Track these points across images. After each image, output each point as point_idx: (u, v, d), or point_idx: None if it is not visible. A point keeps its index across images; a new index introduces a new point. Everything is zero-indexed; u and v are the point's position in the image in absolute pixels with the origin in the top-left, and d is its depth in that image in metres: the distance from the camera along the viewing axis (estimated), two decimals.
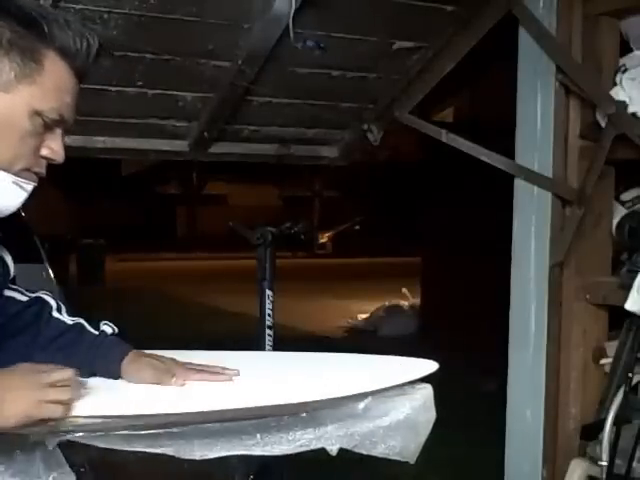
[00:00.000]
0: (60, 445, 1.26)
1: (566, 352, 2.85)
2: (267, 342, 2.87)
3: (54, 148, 1.29)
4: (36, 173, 1.29)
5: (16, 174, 1.25)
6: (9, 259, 1.45)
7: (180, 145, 3.22)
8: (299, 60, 2.86)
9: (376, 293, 11.00)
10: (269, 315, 2.87)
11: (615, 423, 2.64)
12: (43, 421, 1.19)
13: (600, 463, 2.66)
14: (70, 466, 1.31)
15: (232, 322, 9.02)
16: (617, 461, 2.63)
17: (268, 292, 2.87)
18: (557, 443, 2.86)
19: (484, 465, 3.61)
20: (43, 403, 1.19)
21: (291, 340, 2.66)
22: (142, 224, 26.24)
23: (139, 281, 15.06)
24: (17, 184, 1.26)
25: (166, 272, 17.50)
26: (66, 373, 1.23)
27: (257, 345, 2.87)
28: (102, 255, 15.41)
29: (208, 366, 1.50)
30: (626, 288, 2.54)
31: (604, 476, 2.65)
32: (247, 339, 2.74)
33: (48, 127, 1.26)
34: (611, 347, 2.80)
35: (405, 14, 2.79)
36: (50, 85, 1.24)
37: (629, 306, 2.52)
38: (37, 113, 1.23)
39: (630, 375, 2.65)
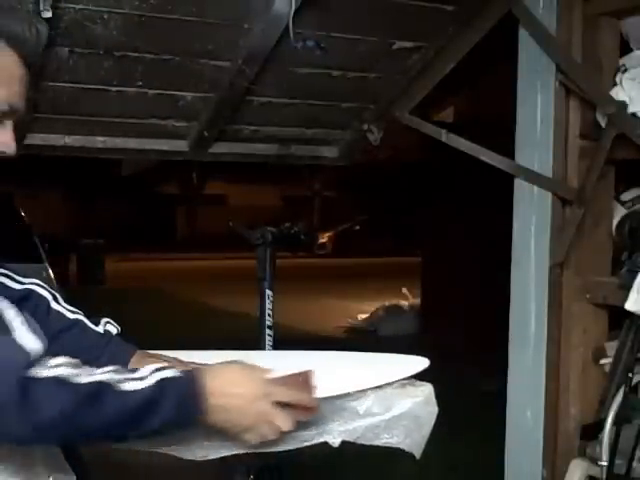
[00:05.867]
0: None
1: (566, 352, 2.84)
2: (267, 342, 2.87)
3: (4, 140, 1.21)
4: None
5: None
6: None
7: (180, 145, 3.22)
8: (299, 60, 2.85)
9: (376, 293, 11.01)
10: (269, 315, 2.87)
11: (615, 423, 2.64)
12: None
13: (600, 463, 2.66)
14: (70, 466, 1.31)
15: (232, 322, 9.02)
16: (617, 461, 2.63)
17: (268, 292, 2.87)
18: (557, 443, 2.86)
19: (484, 465, 3.61)
20: (266, 422, 1.15)
21: (291, 340, 2.66)
22: (142, 224, 26.23)
23: (139, 281, 15.05)
24: None
25: (166, 272, 17.50)
26: (306, 397, 1.17)
27: (257, 345, 2.87)
28: (102, 255, 15.41)
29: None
30: (626, 288, 2.54)
31: (604, 476, 2.65)
32: (247, 339, 2.74)
33: None
34: (611, 347, 2.80)
35: (405, 14, 2.79)
36: None
37: (629, 306, 2.52)
38: None
39: (630, 375, 2.65)
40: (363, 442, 1.38)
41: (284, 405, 1.16)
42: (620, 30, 2.78)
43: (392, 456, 1.49)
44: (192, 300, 11.94)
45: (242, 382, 1.15)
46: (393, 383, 1.43)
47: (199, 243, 23.70)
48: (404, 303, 9.59)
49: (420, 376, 1.49)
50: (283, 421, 1.16)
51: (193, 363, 1.48)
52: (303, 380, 1.19)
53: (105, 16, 2.47)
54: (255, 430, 1.16)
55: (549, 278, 2.83)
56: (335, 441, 1.35)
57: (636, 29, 2.75)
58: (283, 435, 1.18)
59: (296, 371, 1.21)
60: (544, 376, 2.85)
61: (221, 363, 1.19)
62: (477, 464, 4.12)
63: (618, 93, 2.65)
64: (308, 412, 1.20)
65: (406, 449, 1.40)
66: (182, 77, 2.84)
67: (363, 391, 1.38)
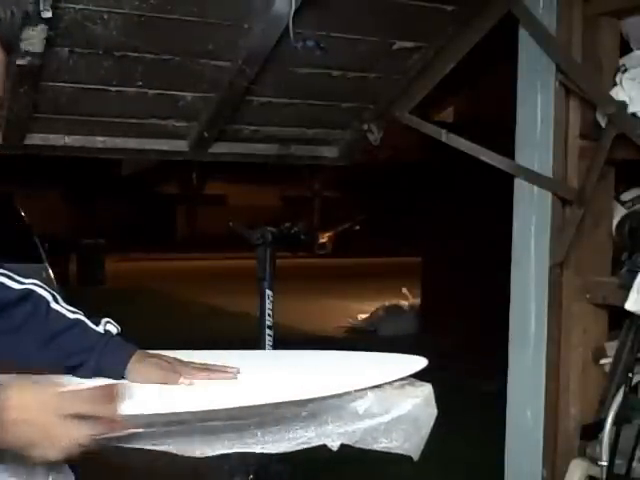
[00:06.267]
0: None
1: (566, 352, 2.85)
2: (267, 342, 2.87)
3: None
4: None
5: None
6: None
7: (180, 145, 3.22)
8: (299, 60, 2.86)
9: (376, 293, 11.00)
10: (269, 315, 2.87)
11: (615, 423, 2.64)
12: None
13: (600, 463, 2.66)
14: (69, 466, 1.31)
15: (232, 322, 9.02)
16: (617, 461, 2.63)
17: (268, 292, 2.87)
18: (557, 443, 2.86)
19: (484, 465, 3.61)
20: (56, 436, 1.10)
21: (291, 340, 2.66)
22: (142, 224, 26.22)
23: (139, 281, 15.05)
24: None
25: (166, 272, 17.49)
26: (104, 409, 1.12)
27: (257, 345, 2.87)
28: (102, 255, 15.40)
29: (210, 365, 1.49)
30: (626, 288, 2.54)
31: (604, 476, 2.65)
32: (247, 339, 2.74)
33: None
34: (611, 347, 2.80)
35: (405, 14, 2.79)
36: None
37: (629, 306, 2.52)
38: None
39: (630, 375, 2.65)
40: (362, 446, 1.37)
41: (83, 419, 1.11)
42: (620, 30, 2.79)
43: (390, 456, 1.48)
44: (192, 300, 11.93)
45: (30, 397, 1.12)
46: (392, 383, 1.43)
47: (199, 243, 23.68)
48: (404, 303, 9.58)
49: (420, 376, 1.49)
50: (75, 434, 1.11)
51: (193, 363, 1.48)
52: (104, 393, 1.15)
53: (105, 16, 2.47)
54: (47, 443, 1.11)
55: (549, 278, 2.83)
56: (334, 444, 1.35)
57: (636, 29, 2.75)
58: (81, 448, 1.13)
59: (99, 384, 1.18)
60: (544, 376, 2.85)
61: (20, 381, 1.14)
62: (477, 464, 4.11)
63: (618, 93, 2.65)
64: (112, 425, 1.15)
65: (404, 453, 1.40)
66: (182, 77, 2.84)
67: (363, 391, 1.38)
